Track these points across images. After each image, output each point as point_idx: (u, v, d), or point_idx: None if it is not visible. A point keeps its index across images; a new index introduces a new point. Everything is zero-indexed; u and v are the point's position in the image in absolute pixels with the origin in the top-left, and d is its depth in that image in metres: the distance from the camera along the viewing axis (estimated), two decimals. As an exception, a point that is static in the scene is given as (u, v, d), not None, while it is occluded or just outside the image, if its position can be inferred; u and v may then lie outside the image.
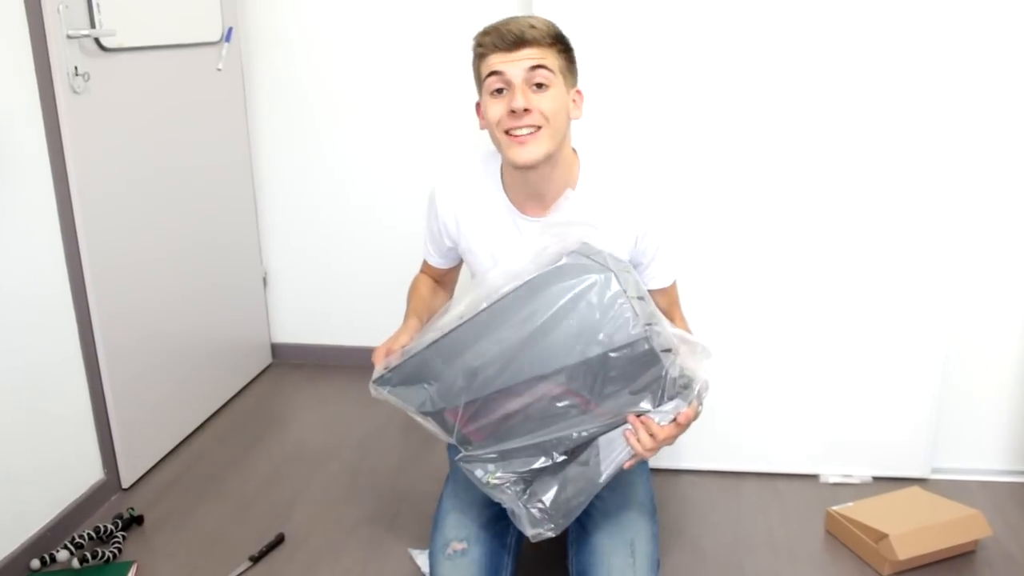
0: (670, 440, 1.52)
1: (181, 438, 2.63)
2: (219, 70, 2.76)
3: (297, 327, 3.23)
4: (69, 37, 2.07)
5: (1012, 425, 2.33)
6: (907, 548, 1.94)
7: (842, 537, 2.07)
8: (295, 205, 3.09)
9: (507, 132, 1.58)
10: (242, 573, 2.01)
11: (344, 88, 2.94)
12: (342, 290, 3.14)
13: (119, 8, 2.23)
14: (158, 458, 2.51)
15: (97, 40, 2.17)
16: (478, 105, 1.65)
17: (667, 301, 1.78)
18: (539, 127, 1.56)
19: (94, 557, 2.03)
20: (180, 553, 2.09)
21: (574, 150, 1.72)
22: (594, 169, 1.71)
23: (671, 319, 1.75)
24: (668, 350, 1.45)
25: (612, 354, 1.44)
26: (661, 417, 1.48)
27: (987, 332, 2.28)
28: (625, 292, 1.44)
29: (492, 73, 1.57)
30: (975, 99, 2.10)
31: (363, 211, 3.05)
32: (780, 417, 2.32)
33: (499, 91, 1.58)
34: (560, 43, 1.59)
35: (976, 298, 2.25)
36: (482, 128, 1.65)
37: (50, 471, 2.12)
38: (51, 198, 2.09)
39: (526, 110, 1.54)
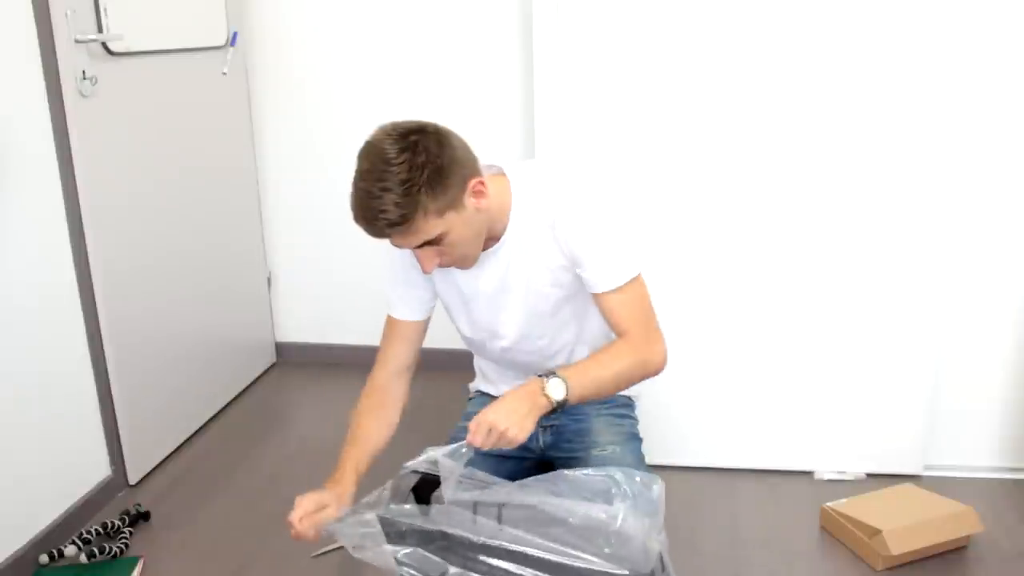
0: None
1: (187, 435, 2.66)
2: (224, 74, 2.79)
3: (301, 327, 3.25)
4: (77, 41, 2.10)
5: (1004, 423, 2.35)
6: (900, 544, 1.96)
7: (836, 533, 2.10)
8: (299, 206, 3.12)
9: None
10: (343, 547, 2.06)
11: (347, 90, 2.96)
12: (346, 290, 3.17)
13: (126, 13, 2.26)
14: (164, 455, 2.54)
15: (104, 44, 2.20)
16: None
17: (611, 312, 1.64)
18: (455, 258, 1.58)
19: (101, 552, 2.06)
20: (186, 549, 2.12)
21: (502, 173, 1.65)
22: (523, 188, 1.64)
23: (618, 325, 1.64)
24: None
25: None
26: None
27: (980, 330, 2.30)
28: None
29: None
30: (971, 107, 2.12)
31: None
32: (775, 415, 2.34)
33: None
34: (419, 207, 1.45)
35: (969, 297, 2.27)
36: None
37: (58, 468, 2.15)
38: (59, 200, 2.12)
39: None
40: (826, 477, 2.36)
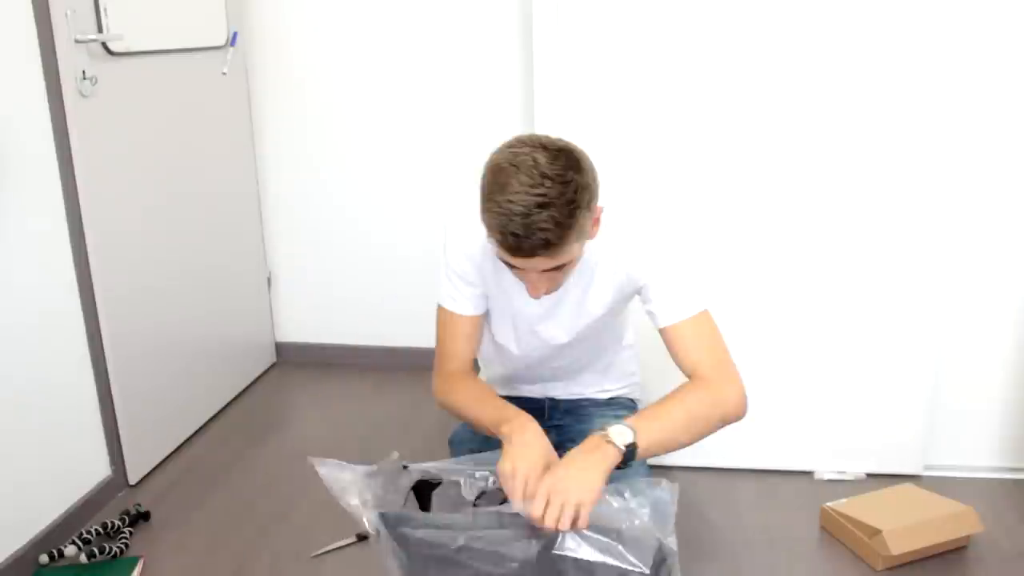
0: None
1: (187, 436, 2.66)
2: (224, 74, 2.79)
3: (301, 327, 3.26)
4: (77, 41, 2.10)
5: (1004, 423, 2.35)
6: (900, 544, 1.96)
7: (836, 533, 2.10)
8: (299, 206, 3.12)
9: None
10: (343, 547, 2.07)
11: (347, 90, 2.97)
12: (346, 290, 3.17)
13: (126, 13, 2.26)
14: (164, 455, 2.54)
15: (104, 44, 2.20)
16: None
17: (678, 344, 1.60)
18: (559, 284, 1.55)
19: (101, 552, 2.06)
20: (185, 549, 2.12)
21: None
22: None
23: (685, 360, 1.60)
24: None
25: None
26: None
27: (979, 330, 2.30)
28: None
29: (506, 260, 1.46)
30: (971, 107, 2.13)
31: (366, 211, 3.08)
32: (775, 415, 2.34)
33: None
34: (575, 228, 1.39)
35: (969, 297, 2.27)
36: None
37: (58, 468, 2.15)
38: (59, 200, 2.12)
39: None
40: (826, 477, 2.36)
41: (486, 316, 1.77)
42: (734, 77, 2.13)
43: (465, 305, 1.72)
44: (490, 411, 1.60)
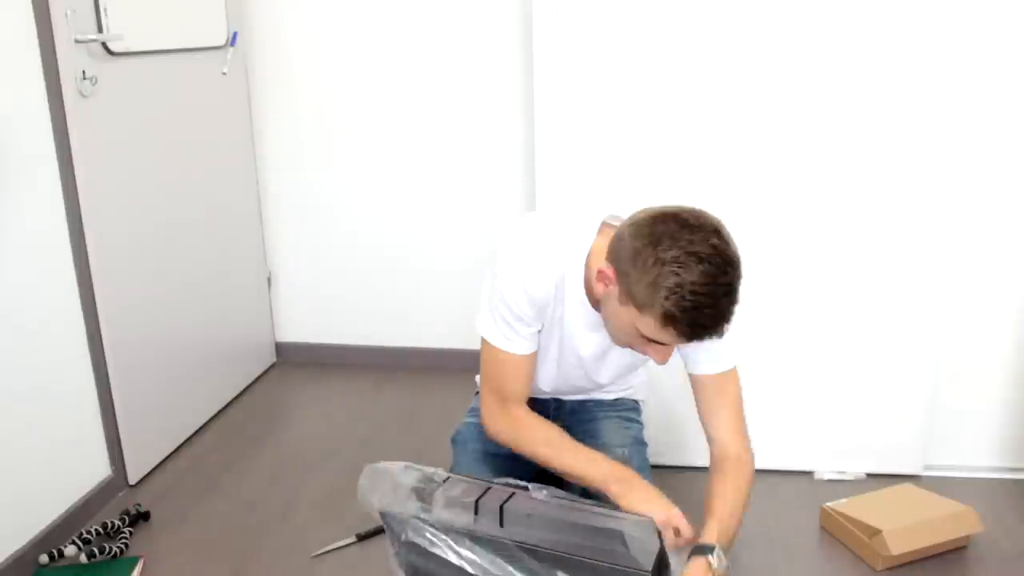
0: None
1: (187, 436, 2.66)
2: (224, 74, 2.79)
3: (301, 326, 3.26)
4: (77, 41, 2.10)
5: (1004, 423, 2.36)
6: (900, 544, 1.96)
7: (836, 533, 2.10)
8: (299, 206, 3.12)
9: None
10: (343, 547, 2.07)
11: (346, 90, 2.97)
12: (346, 290, 3.17)
13: (126, 13, 2.26)
14: (164, 455, 2.54)
15: (104, 44, 2.20)
16: (602, 272, 1.50)
17: (712, 394, 1.67)
18: None
19: (101, 552, 2.07)
20: (185, 549, 2.13)
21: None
22: None
23: (715, 413, 1.67)
24: None
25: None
26: None
27: (980, 330, 2.30)
28: None
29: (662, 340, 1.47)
30: (970, 108, 2.13)
31: (367, 211, 3.08)
32: (775, 415, 2.35)
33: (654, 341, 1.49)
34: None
35: (969, 297, 2.28)
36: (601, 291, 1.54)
37: (58, 468, 2.15)
38: (59, 200, 2.12)
39: None
40: (826, 477, 2.36)
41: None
42: (734, 78, 2.13)
43: (522, 345, 1.68)
44: (583, 464, 1.64)
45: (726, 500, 1.61)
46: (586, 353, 1.72)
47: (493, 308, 1.65)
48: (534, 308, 1.63)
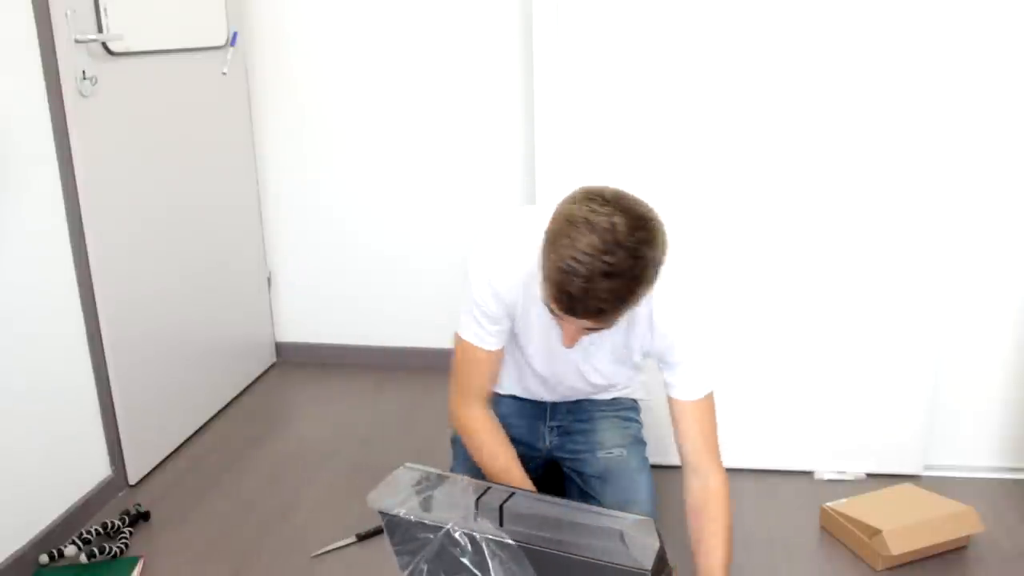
0: None
1: (187, 436, 2.66)
2: (224, 74, 2.79)
3: (301, 326, 3.26)
4: (77, 41, 2.10)
5: (1004, 423, 2.36)
6: (900, 544, 1.96)
7: (836, 533, 2.10)
8: (299, 206, 3.12)
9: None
10: (343, 547, 2.07)
11: (346, 89, 2.97)
12: (345, 290, 3.17)
13: (126, 13, 2.26)
14: (164, 455, 2.54)
15: (104, 44, 2.20)
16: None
17: (688, 421, 1.64)
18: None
19: (101, 552, 2.07)
20: (185, 549, 2.13)
21: None
22: None
23: (689, 441, 1.64)
24: None
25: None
26: None
27: (979, 330, 2.30)
28: None
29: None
30: (970, 108, 2.13)
31: (366, 211, 3.08)
32: (775, 415, 2.35)
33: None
34: (632, 302, 1.39)
35: (968, 297, 2.28)
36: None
37: (58, 468, 2.15)
38: (59, 200, 2.12)
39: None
40: (826, 477, 2.36)
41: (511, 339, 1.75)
42: (734, 78, 2.14)
43: (489, 341, 1.69)
44: (498, 473, 1.69)
45: (722, 540, 1.63)
46: (573, 356, 1.72)
47: (465, 302, 1.67)
48: (500, 305, 1.63)
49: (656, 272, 1.38)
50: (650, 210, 1.38)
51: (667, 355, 1.62)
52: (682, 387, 1.63)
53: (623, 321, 1.58)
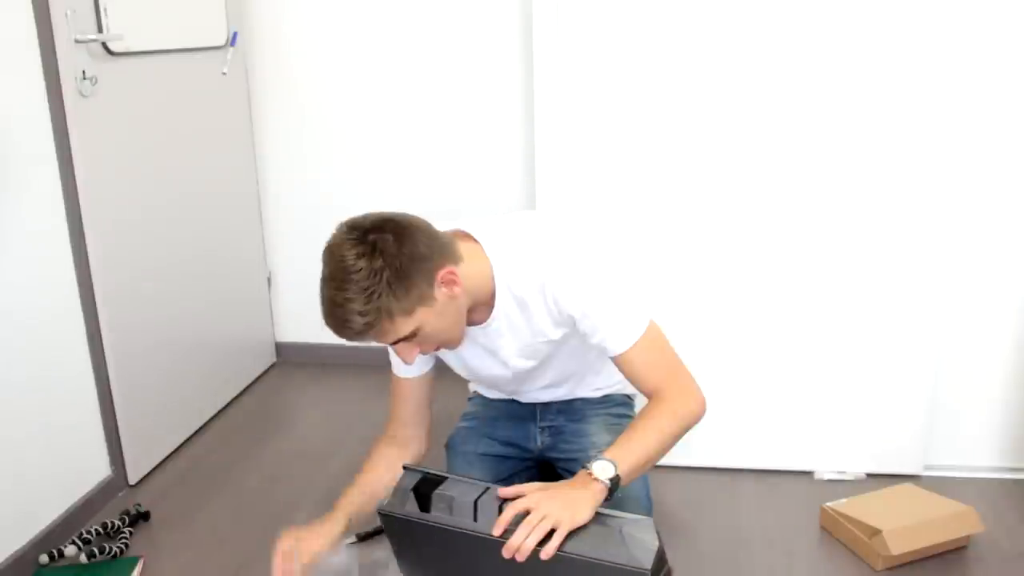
0: None
1: (187, 436, 2.66)
2: (224, 74, 2.79)
3: (301, 327, 3.25)
4: (77, 41, 2.10)
5: (1004, 423, 2.36)
6: (900, 544, 1.96)
7: (836, 533, 2.10)
8: (299, 205, 3.12)
9: None
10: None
11: (347, 90, 2.97)
12: (345, 290, 3.17)
13: (126, 13, 2.26)
14: (164, 455, 2.54)
15: (104, 44, 2.21)
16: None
17: (632, 371, 1.60)
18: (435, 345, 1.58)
19: (101, 552, 2.07)
20: (185, 549, 2.13)
21: (472, 237, 1.62)
22: (502, 254, 1.59)
23: (642, 382, 1.61)
24: None
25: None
26: None
27: (979, 330, 2.30)
28: None
29: None
30: (970, 108, 2.12)
31: (366, 211, 3.07)
32: (775, 415, 2.35)
33: None
34: (383, 312, 1.42)
35: (968, 297, 2.27)
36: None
37: (58, 468, 2.15)
38: (59, 200, 2.12)
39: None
40: (826, 477, 2.36)
41: (433, 372, 1.80)
42: (735, 78, 2.13)
43: (403, 369, 1.78)
44: (342, 498, 1.74)
45: (634, 426, 1.55)
46: (514, 363, 1.70)
47: None
48: None
49: (395, 274, 1.41)
50: (385, 219, 1.47)
51: (583, 323, 1.58)
52: (613, 341, 1.58)
53: (514, 310, 1.59)
